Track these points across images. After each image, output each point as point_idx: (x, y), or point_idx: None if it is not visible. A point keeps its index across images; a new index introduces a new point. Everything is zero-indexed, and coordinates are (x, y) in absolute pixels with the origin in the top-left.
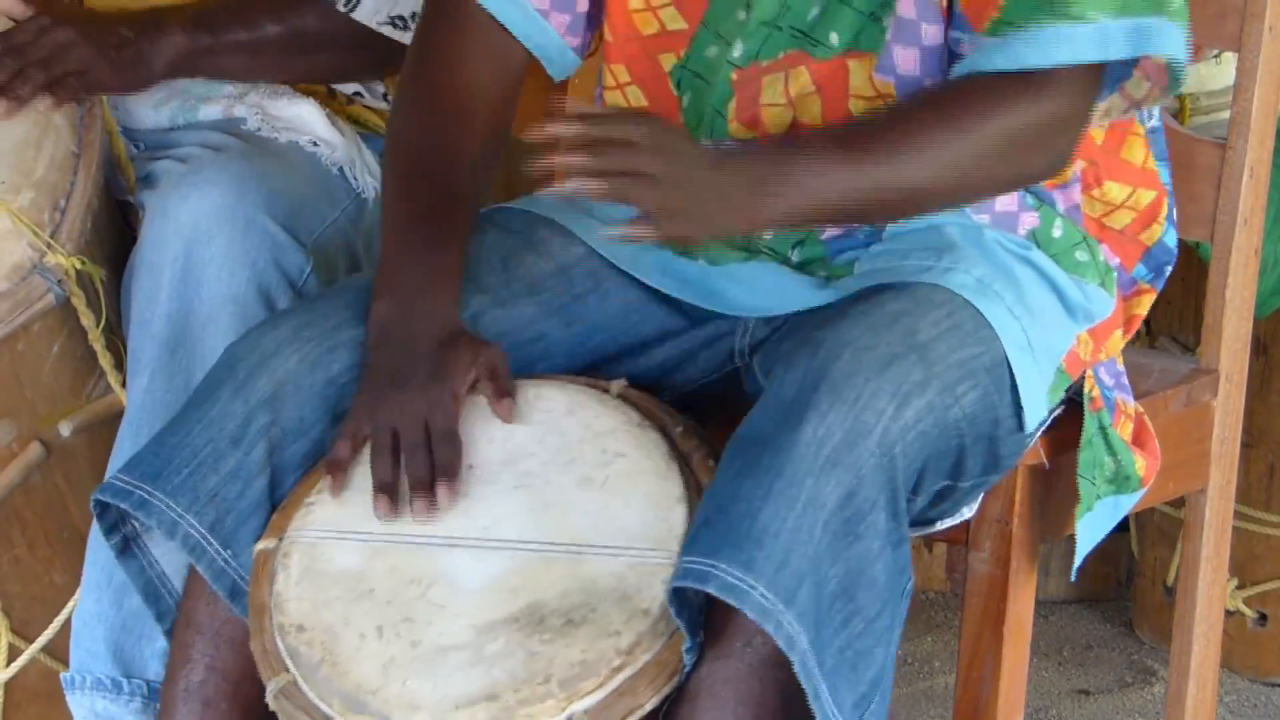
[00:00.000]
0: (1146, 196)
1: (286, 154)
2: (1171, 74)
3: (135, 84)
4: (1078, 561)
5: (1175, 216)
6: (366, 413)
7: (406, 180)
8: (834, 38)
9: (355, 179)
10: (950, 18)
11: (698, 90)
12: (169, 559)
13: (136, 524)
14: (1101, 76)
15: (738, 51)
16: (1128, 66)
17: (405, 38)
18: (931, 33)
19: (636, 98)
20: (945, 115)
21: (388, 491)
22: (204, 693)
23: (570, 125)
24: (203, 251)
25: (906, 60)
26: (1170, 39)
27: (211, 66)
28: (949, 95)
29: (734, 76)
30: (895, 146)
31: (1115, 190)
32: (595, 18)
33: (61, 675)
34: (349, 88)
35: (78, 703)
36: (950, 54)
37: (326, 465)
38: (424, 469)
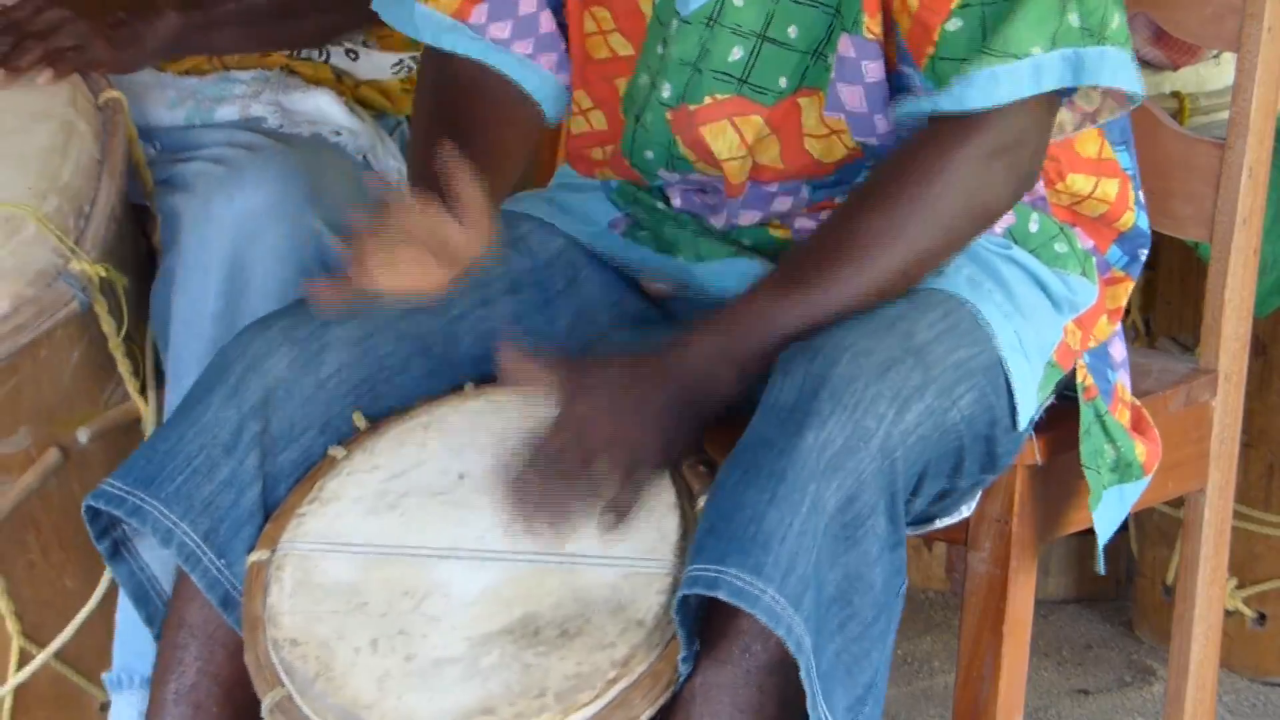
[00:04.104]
0: (1112, 186)
1: (315, 148)
2: (1125, 96)
3: (130, 63)
4: (1100, 555)
5: (1143, 199)
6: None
7: (431, 141)
8: (782, 81)
9: (378, 162)
10: (894, 54)
11: (640, 120)
12: (158, 561)
13: (126, 528)
14: (1049, 98)
15: (666, 92)
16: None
17: None
18: (872, 69)
19: (600, 122)
20: (887, 205)
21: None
22: (195, 696)
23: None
24: (251, 251)
25: (852, 97)
26: (1111, 65)
27: (204, 43)
28: (884, 180)
29: (668, 116)
30: (844, 262)
31: (1080, 182)
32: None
33: (104, 676)
34: (347, 61)
35: (125, 702)
36: (894, 89)
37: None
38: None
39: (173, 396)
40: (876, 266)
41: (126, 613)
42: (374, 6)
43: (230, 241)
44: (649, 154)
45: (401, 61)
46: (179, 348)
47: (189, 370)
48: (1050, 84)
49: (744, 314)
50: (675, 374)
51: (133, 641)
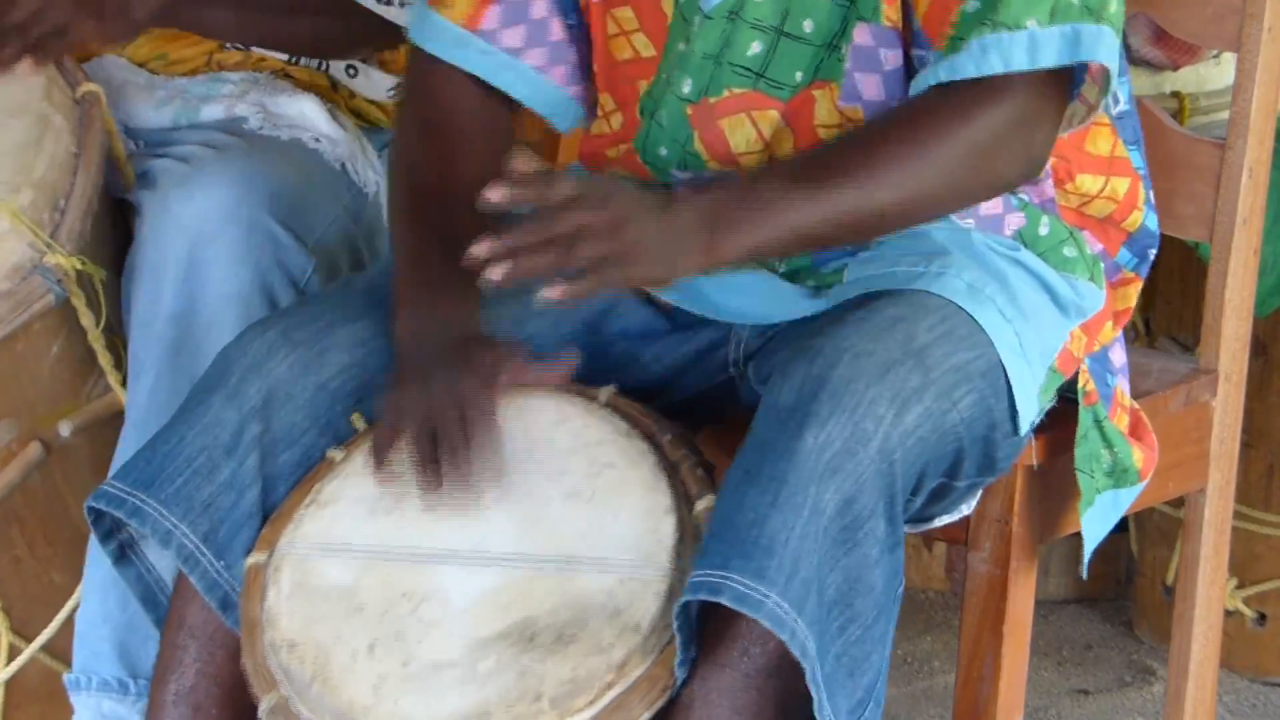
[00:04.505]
0: (1122, 185)
1: (289, 152)
2: (1105, 77)
3: (119, 33)
4: (1086, 558)
5: (1153, 200)
6: (399, 409)
7: (411, 201)
8: (798, 75)
9: (357, 174)
10: (910, 38)
11: (659, 119)
12: (165, 564)
13: (132, 530)
14: (1062, 80)
15: (686, 87)
16: (1083, 72)
17: (389, 13)
18: (891, 58)
19: (618, 123)
20: (901, 134)
21: (432, 490)
22: (194, 698)
23: (512, 189)
24: (206, 252)
25: (869, 86)
26: (1107, 44)
27: (193, 20)
28: (905, 115)
29: (689, 111)
30: (853, 171)
31: (1088, 182)
32: (587, 63)
33: (65, 676)
34: (345, 76)
35: (83, 704)
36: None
37: (374, 453)
38: (463, 469)
39: (133, 395)
40: (878, 189)
41: (86, 613)
42: (409, 33)
43: (187, 241)
44: (663, 151)
45: (400, 86)
46: (136, 346)
47: (146, 369)
48: (1048, 59)
49: (741, 193)
50: (662, 215)
51: (92, 642)
